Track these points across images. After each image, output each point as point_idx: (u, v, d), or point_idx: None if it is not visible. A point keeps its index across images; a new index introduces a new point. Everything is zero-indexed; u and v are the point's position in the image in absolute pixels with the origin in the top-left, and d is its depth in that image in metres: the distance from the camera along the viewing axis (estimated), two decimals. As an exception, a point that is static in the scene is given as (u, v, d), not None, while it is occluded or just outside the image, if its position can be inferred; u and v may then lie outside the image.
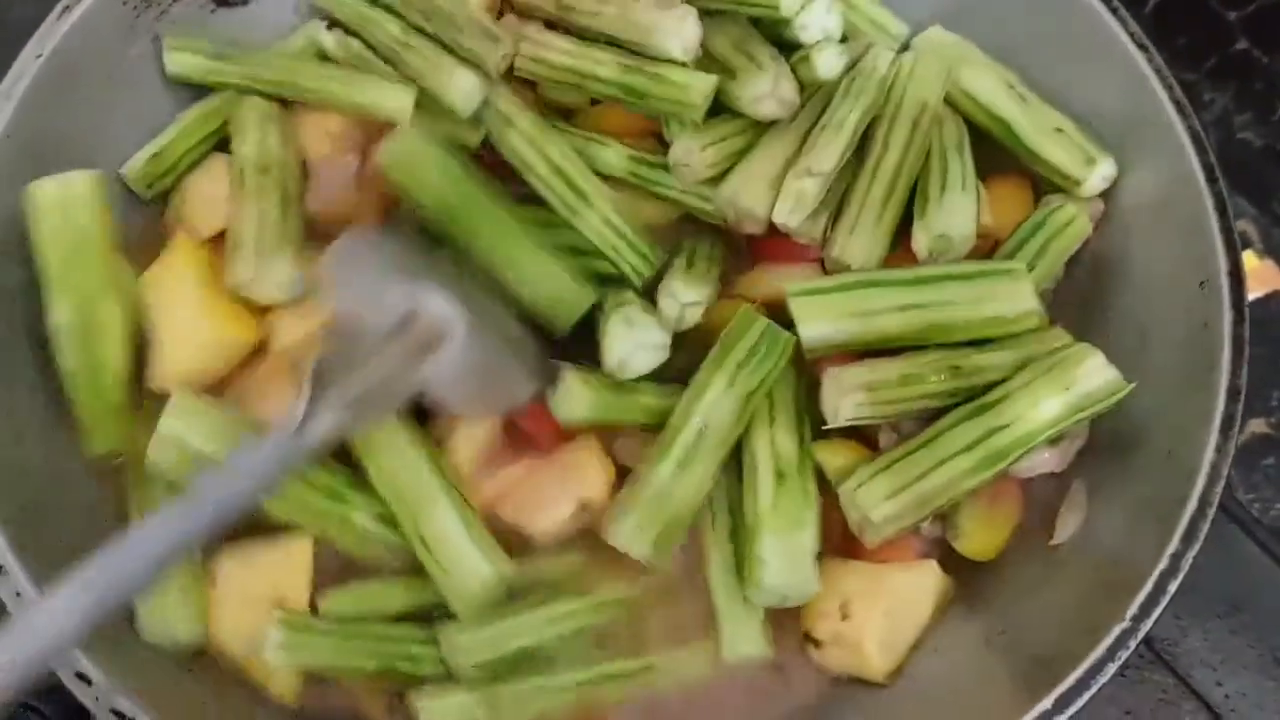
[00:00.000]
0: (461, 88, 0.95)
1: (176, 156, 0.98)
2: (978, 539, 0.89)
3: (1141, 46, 0.93)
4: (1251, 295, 1.24)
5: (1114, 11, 0.94)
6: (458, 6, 0.97)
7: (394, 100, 0.96)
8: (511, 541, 0.87)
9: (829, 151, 0.93)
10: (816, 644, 0.87)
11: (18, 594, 0.76)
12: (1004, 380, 0.86)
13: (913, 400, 0.86)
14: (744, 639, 0.86)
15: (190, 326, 0.89)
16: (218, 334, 0.90)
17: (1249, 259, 1.29)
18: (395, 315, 0.82)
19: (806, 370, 0.90)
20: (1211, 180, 0.89)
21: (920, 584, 0.87)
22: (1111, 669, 0.75)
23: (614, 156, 0.97)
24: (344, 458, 0.87)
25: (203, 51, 0.99)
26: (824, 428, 0.87)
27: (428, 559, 0.83)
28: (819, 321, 0.86)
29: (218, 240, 0.96)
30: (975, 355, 0.87)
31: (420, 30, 0.98)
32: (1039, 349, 0.87)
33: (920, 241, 0.92)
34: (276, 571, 0.85)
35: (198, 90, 1.01)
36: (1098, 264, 0.96)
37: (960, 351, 0.87)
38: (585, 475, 0.88)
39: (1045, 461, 0.89)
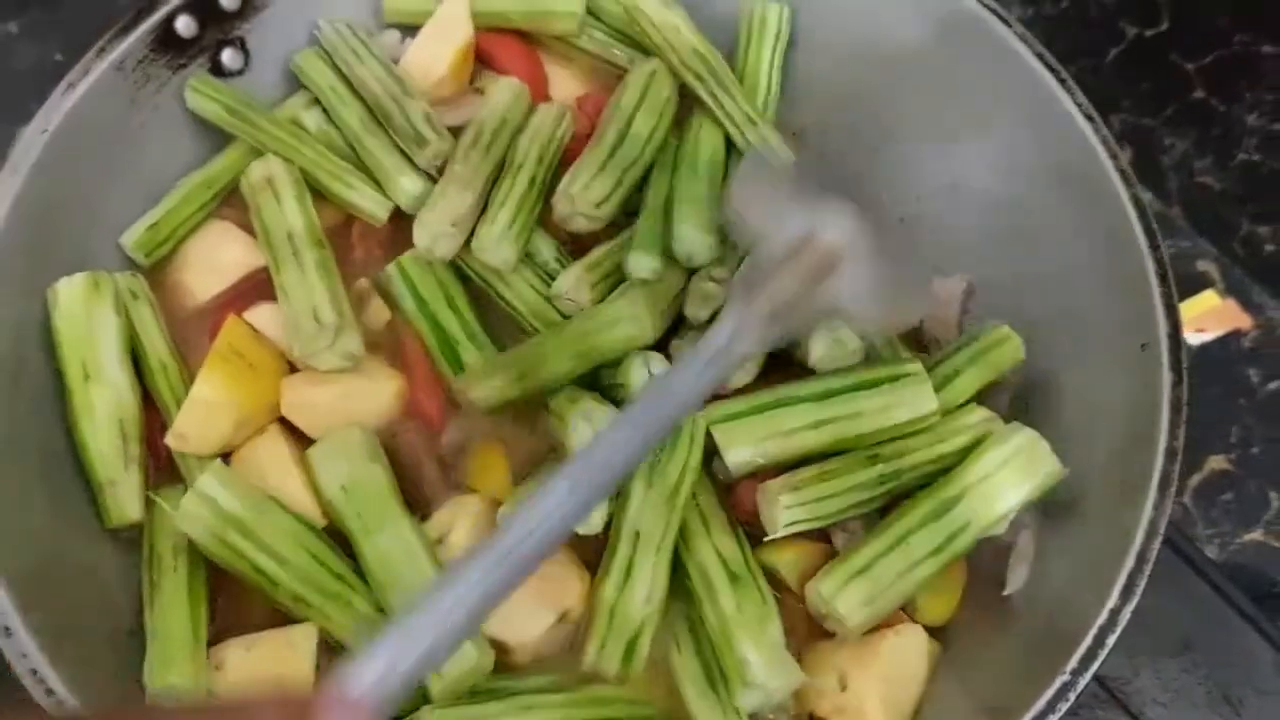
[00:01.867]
0: (406, 190, 1.01)
1: (174, 225, 1.01)
2: (933, 609, 0.93)
3: (1089, 117, 0.97)
4: (1212, 334, 1.30)
5: (1063, 83, 0.98)
6: (403, 101, 1.02)
7: (375, 205, 1.03)
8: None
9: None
10: (820, 722, 0.89)
11: (24, 655, 0.79)
12: (934, 462, 0.92)
13: (843, 494, 0.89)
14: None
15: (210, 393, 0.91)
16: (238, 401, 0.92)
17: (1211, 298, 1.33)
18: (795, 235, 0.83)
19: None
20: (1154, 247, 0.93)
21: (910, 646, 0.90)
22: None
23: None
24: (349, 549, 0.90)
25: (223, 102, 1.04)
26: (765, 539, 0.90)
27: None
28: (742, 447, 0.89)
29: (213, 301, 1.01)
30: (893, 441, 0.92)
31: (377, 120, 1.03)
32: (956, 425, 0.93)
33: (816, 351, 0.95)
34: (282, 658, 0.87)
35: (199, 155, 1.05)
36: (1048, 322, 1.00)
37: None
38: (562, 585, 0.89)
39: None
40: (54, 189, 0.96)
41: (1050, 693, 0.80)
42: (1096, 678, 0.95)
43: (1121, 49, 1.36)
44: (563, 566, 0.91)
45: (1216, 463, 1.24)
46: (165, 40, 1.01)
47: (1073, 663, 0.81)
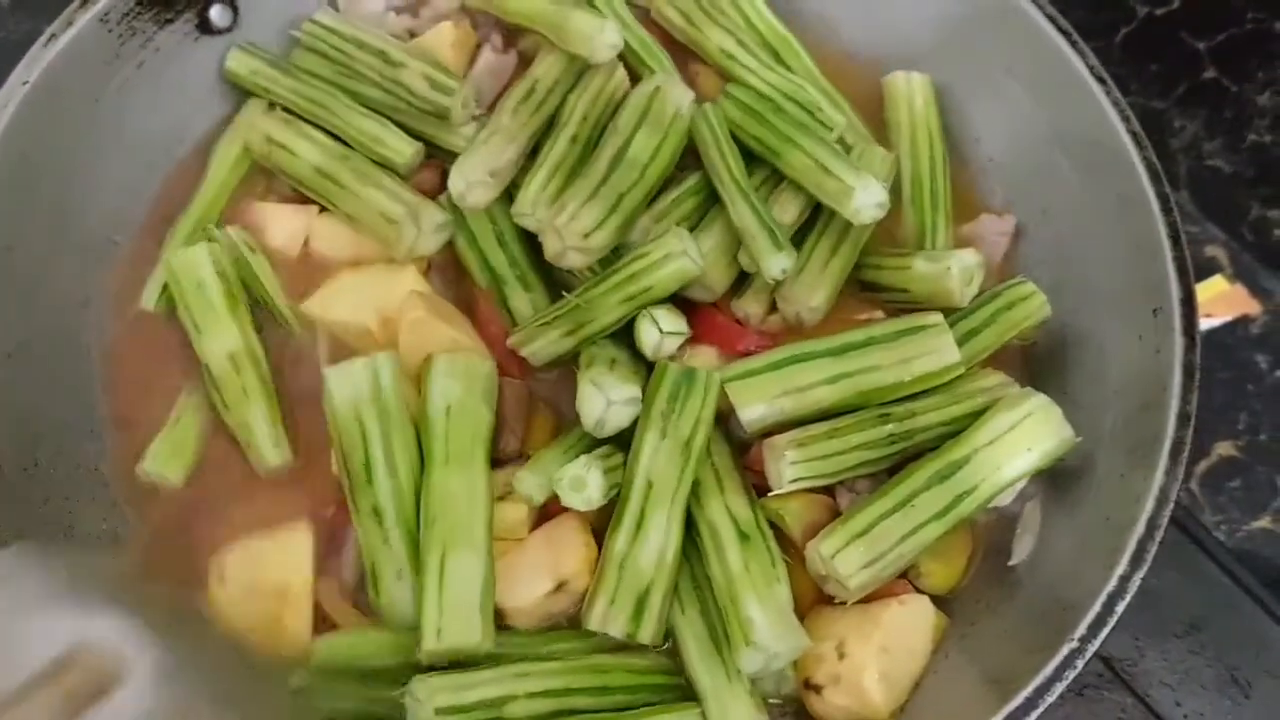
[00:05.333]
0: (464, 135, 1.00)
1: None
2: (938, 576, 0.90)
3: (1100, 79, 0.96)
4: (1220, 319, 1.28)
5: (1074, 45, 0.97)
6: (401, 79, 1.00)
7: (397, 155, 1.00)
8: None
9: (789, 209, 0.98)
10: (816, 690, 0.86)
11: None
12: (946, 424, 0.89)
13: (851, 452, 0.87)
14: (734, 713, 0.83)
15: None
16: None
17: (1219, 283, 1.31)
18: (52, 651, 0.64)
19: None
20: (1166, 211, 0.91)
21: (914, 618, 0.87)
22: (1059, 688, 0.76)
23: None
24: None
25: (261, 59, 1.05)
26: (771, 494, 0.88)
27: (432, 587, 0.81)
28: (756, 404, 0.87)
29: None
30: (905, 401, 0.90)
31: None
32: (970, 387, 0.90)
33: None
34: (280, 561, 0.87)
35: (181, 115, 1.04)
36: (1059, 289, 0.98)
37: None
38: (564, 553, 0.87)
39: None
40: (35, 144, 0.94)
41: (1058, 659, 0.77)
42: (1102, 658, 0.93)
43: (1131, 28, 1.33)
44: (569, 533, 0.88)
45: (1224, 449, 1.22)
46: (153, -8, 0.99)
47: (1081, 630, 0.78)
